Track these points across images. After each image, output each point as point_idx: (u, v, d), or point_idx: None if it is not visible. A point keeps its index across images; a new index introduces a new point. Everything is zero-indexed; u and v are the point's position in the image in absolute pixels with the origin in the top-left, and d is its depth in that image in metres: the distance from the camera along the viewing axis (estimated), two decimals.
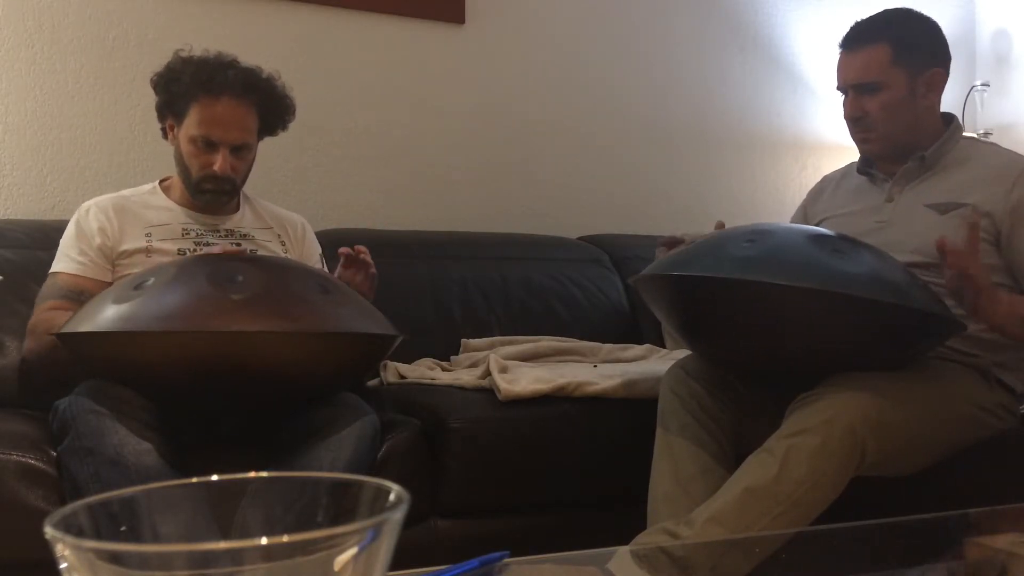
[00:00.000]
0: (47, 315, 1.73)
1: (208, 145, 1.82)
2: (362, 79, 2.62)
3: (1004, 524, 1.22)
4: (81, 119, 2.32)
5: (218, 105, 1.80)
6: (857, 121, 1.82)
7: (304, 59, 2.52)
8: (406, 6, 2.66)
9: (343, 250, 1.79)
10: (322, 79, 2.55)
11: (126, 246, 1.83)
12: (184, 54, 1.86)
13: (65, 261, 1.82)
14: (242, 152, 1.86)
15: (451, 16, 2.72)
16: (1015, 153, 1.82)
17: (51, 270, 1.83)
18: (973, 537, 1.20)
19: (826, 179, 2.08)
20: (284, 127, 1.97)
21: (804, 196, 2.14)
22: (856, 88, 1.80)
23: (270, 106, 1.90)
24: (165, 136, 1.90)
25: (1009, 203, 1.69)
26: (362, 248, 1.81)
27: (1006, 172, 1.72)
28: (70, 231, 1.85)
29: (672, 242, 1.76)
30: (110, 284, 1.78)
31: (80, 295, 1.75)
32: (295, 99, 1.94)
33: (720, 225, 1.76)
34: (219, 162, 1.81)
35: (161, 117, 1.89)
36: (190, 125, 1.81)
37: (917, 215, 1.76)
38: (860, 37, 1.80)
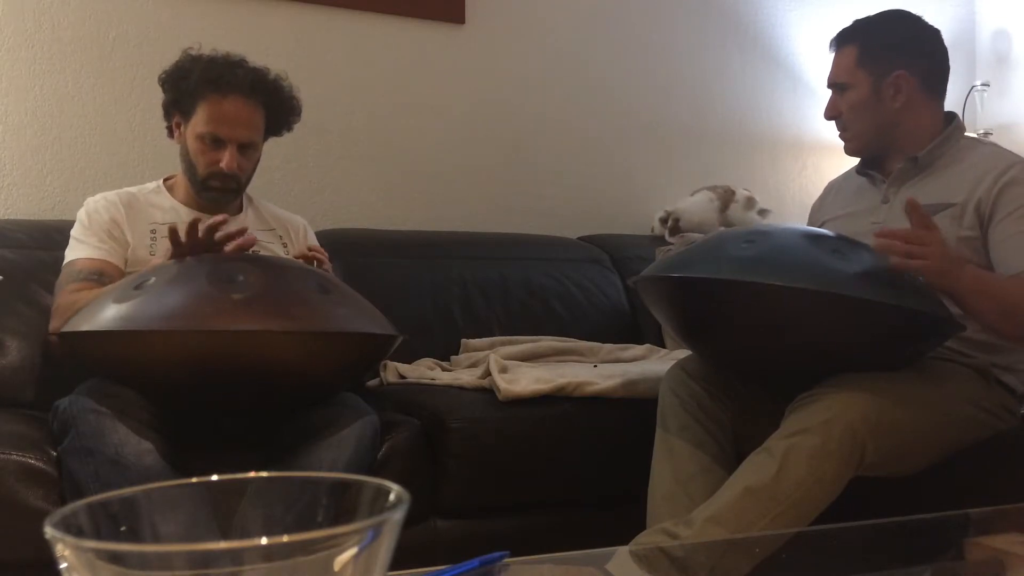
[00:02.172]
0: (74, 296, 1.71)
1: (215, 142, 1.82)
2: (362, 79, 2.62)
3: (1004, 524, 1.22)
4: (81, 119, 2.32)
5: (226, 103, 1.81)
6: (834, 120, 1.89)
7: (304, 59, 2.52)
8: (406, 6, 2.66)
9: (298, 253, 1.82)
10: (322, 79, 2.55)
11: (132, 240, 1.84)
12: (193, 52, 1.87)
13: (81, 248, 1.81)
14: (248, 151, 1.87)
15: (451, 16, 2.72)
16: (1012, 153, 1.82)
17: (67, 259, 1.82)
18: (973, 537, 1.20)
19: (829, 185, 2.10)
20: (289, 128, 1.98)
21: (804, 196, 2.15)
22: (832, 88, 1.88)
23: (277, 106, 1.90)
24: (171, 134, 1.90)
25: (991, 197, 1.70)
26: (316, 248, 1.84)
27: (995, 169, 1.72)
28: (82, 222, 1.85)
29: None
30: (125, 274, 1.78)
31: (102, 277, 1.75)
32: (301, 100, 1.95)
33: None
34: (226, 159, 1.82)
35: (168, 115, 1.90)
36: (198, 122, 1.82)
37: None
38: (837, 39, 1.88)
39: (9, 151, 2.25)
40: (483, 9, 2.77)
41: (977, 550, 1.14)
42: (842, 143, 1.92)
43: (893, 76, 1.80)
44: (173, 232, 1.58)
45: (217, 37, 2.24)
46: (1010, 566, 1.07)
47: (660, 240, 2.74)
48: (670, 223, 2.72)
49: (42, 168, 2.28)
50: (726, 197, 2.77)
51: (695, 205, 2.75)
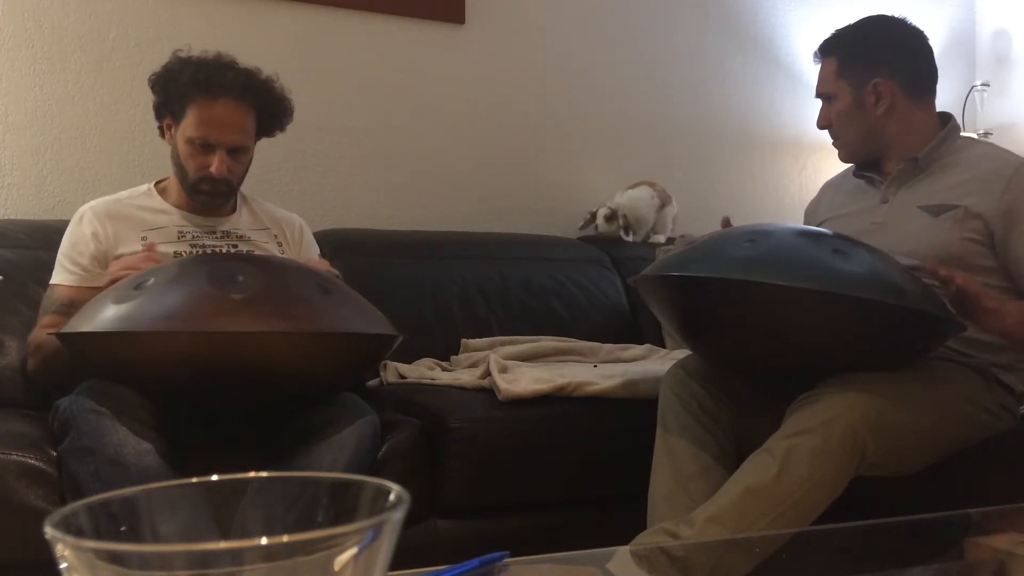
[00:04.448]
0: (45, 339, 1.72)
1: (205, 147, 1.81)
2: (362, 79, 2.62)
3: (1004, 524, 1.22)
4: (81, 119, 2.32)
5: (216, 107, 1.79)
6: (826, 130, 1.91)
7: (304, 59, 2.52)
8: (406, 6, 2.66)
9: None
10: (322, 79, 2.55)
11: (121, 250, 1.82)
12: (183, 54, 1.85)
13: (61, 273, 1.82)
14: (239, 154, 1.85)
15: (451, 16, 2.72)
16: (1011, 154, 1.82)
17: (50, 281, 1.83)
18: (973, 537, 1.20)
19: (826, 185, 2.10)
20: (282, 129, 1.96)
21: (804, 196, 2.15)
22: (820, 98, 1.90)
23: (268, 108, 1.89)
24: (162, 135, 1.90)
25: (1002, 205, 1.69)
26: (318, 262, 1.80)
27: (1000, 173, 1.72)
28: (65, 239, 1.85)
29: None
30: None
31: (72, 308, 1.74)
32: (294, 100, 1.94)
33: (726, 222, 1.78)
34: (216, 164, 1.81)
35: (159, 117, 1.89)
36: (187, 126, 1.80)
37: (910, 217, 1.76)
38: (820, 50, 1.90)
39: (9, 151, 2.25)
40: (483, 9, 2.77)
41: (977, 550, 1.14)
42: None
43: (872, 84, 1.81)
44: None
45: (217, 37, 2.24)
46: (1010, 566, 1.07)
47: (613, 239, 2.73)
48: (622, 220, 2.71)
49: (42, 168, 2.28)
50: (664, 198, 2.78)
51: (637, 200, 2.74)
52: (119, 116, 2.35)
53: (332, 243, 2.26)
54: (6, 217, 2.19)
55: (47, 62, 2.29)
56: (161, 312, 1.41)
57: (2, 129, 2.24)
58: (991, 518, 1.24)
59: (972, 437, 1.61)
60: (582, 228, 2.80)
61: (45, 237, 2.01)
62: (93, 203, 1.89)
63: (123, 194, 1.94)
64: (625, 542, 1.37)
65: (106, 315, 1.44)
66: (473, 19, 2.76)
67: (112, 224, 1.85)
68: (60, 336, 1.53)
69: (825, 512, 1.46)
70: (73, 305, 1.74)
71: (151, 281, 1.48)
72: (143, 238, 1.85)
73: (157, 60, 1.90)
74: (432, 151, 2.72)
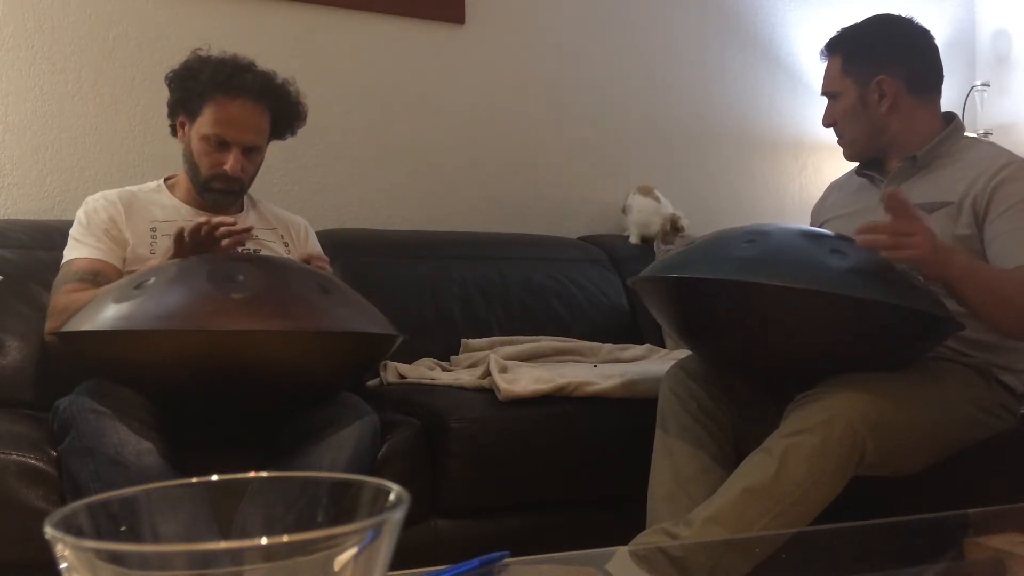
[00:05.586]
0: (70, 297, 1.72)
1: (221, 145, 1.83)
2: (362, 79, 2.62)
3: (1004, 524, 1.22)
4: (81, 119, 2.32)
5: (233, 106, 1.81)
6: (831, 128, 1.91)
7: (304, 59, 2.52)
8: (406, 6, 2.66)
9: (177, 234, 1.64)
10: (322, 79, 2.55)
11: (132, 239, 1.84)
12: (202, 53, 1.87)
13: (79, 248, 1.82)
14: (253, 154, 1.88)
15: (451, 16, 2.72)
16: (1007, 151, 1.81)
17: (65, 259, 1.82)
18: (973, 537, 1.20)
19: (832, 185, 2.10)
20: (293, 133, 1.99)
21: (804, 195, 2.15)
22: (826, 96, 1.91)
23: (283, 111, 1.91)
24: (174, 133, 1.91)
25: (988, 191, 1.69)
26: (317, 256, 1.79)
27: (989, 167, 1.72)
28: (80, 221, 1.85)
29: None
30: (122, 273, 1.78)
31: (98, 277, 1.75)
32: (307, 105, 1.96)
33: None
34: (231, 162, 1.83)
35: (172, 114, 1.90)
36: (204, 124, 1.82)
37: None
38: (825, 48, 1.91)
39: (9, 151, 2.25)
40: (483, 9, 2.77)
41: (977, 550, 1.14)
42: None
43: (875, 82, 1.81)
44: (179, 234, 1.59)
45: (217, 37, 2.24)
46: (1010, 566, 1.07)
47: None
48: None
49: (42, 168, 2.28)
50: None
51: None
52: (119, 116, 2.35)
53: (332, 243, 2.26)
54: (6, 217, 2.19)
55: (47, 62, 2.28)
56: (162, 311, 1.41)
57: (2, 129, 2.24)
58: (991, 518, 1.24)
59: (972, 437, 1.61)
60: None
61: (45, 237, 2.02)
62: (104, 192, 1.90)
63: (132, 188, 1.95)
64: (625, 542, 1.37)
65: (107, 314, 1.45)
66: (473, 19, 2.76)
67: (126, 211, 1.86)
68: (60, 335, 1.53)
69: (824, 512, 1.46)
70: (99, 275, 1.74)
71: (151, 280, 1.48)
72: (152, 230, 1.86)
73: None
74: (432, 151, 2.72)
